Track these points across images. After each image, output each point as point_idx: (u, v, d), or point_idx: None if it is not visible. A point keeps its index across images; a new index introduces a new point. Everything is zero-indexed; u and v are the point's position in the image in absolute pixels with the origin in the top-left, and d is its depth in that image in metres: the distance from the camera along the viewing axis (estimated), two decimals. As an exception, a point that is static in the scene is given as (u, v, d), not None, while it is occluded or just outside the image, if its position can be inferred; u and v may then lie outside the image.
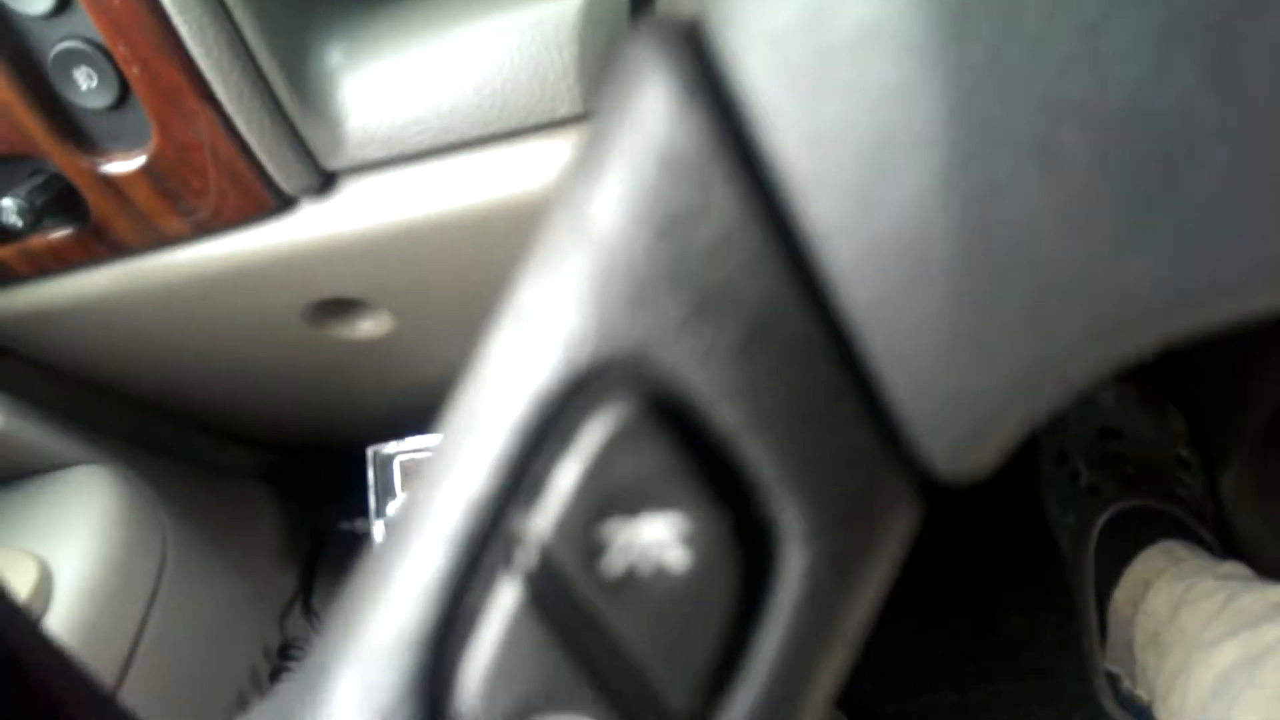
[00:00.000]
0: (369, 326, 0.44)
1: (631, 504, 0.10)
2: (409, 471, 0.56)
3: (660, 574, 0.10)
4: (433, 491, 0.11)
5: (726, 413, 0.10)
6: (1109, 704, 0.65)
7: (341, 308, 0.43)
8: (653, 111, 0.10)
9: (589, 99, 0.34)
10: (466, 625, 0.11)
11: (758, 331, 0.10)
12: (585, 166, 0.11)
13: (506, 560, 0.11)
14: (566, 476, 0.10)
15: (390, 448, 0.56)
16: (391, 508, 0.57)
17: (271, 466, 0.63)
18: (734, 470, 0.10)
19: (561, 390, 0.11)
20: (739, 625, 0.10)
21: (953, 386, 0.10)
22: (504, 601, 0.11)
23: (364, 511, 0.57)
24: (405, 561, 0.11)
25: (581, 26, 0.33)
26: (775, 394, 0.10)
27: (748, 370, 0.10)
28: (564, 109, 0.34)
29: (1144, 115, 0.09)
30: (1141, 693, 0.60)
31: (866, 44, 0.09)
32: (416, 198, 0.36)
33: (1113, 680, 0.64)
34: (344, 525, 0.60)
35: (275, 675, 0.55)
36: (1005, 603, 0.73)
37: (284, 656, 0.56)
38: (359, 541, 0.58)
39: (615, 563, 0.10)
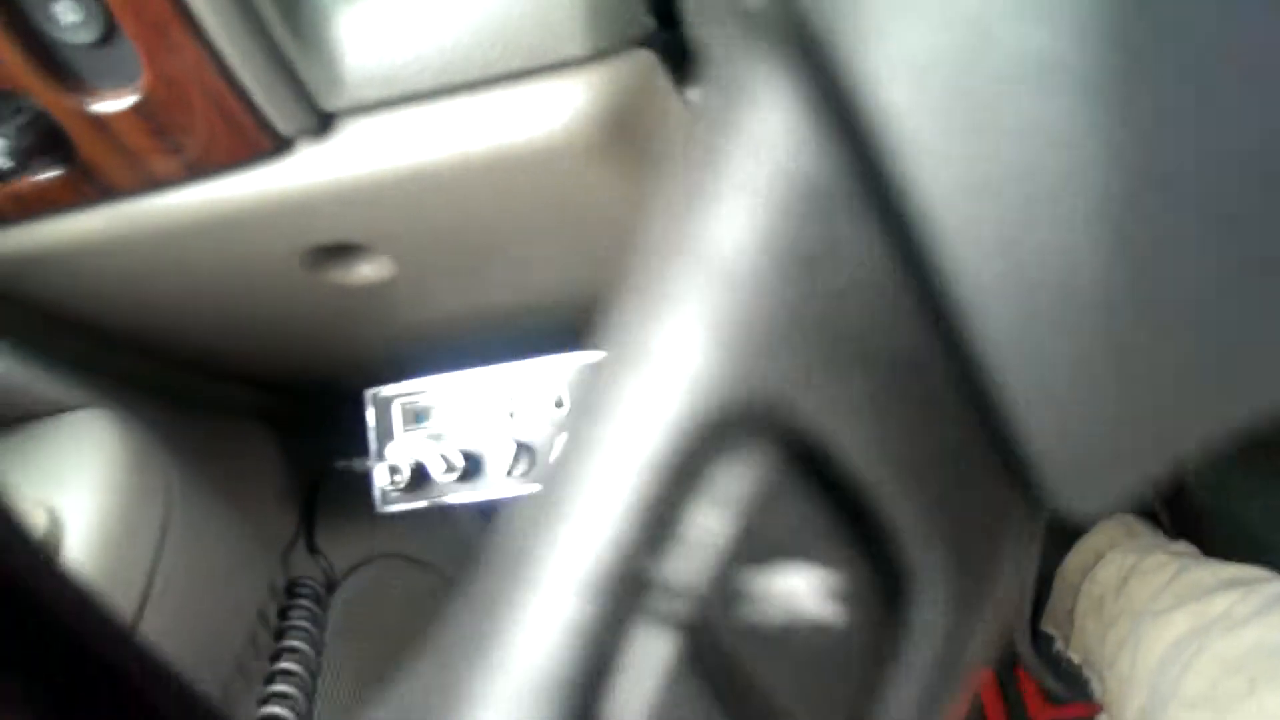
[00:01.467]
0: (368, 271, 0.44)
1: (775, 555, 0.10)
2: (408, 414, 0.56)
3: (804, 625, 0.10)
4: (557, 531, 0.11)
5: (865, 463, 0.10)
6: (1028, 658, 0.67)
7: (341, 253, 0.42)
8: (776, 135, 0.09)
9: (597, 40, 0.33)
10: (609, 673, 0.10)
11: (896, 379, 0.10)
12: (698, 190, 0.10)
13: (646, 609, 0.10)
14: (714, 526, 0.10)
15: (389, 390, 0.56)
16: (390, 450, 0.57)
17: (271, 407, 0.63)
18: (870, 520, 0.10)
19: (697, 434, 0.10)
20: (877, 672, 0.10)
21: (1092, 436, 0.10)
22: (655, 653, 0.10)
23: (363, 451, 0.57)
24: (537, 602, 0.11)
25: (589, -40, 0.31)
26: (912, 442, 0.10)
27: (886, 419, 0.10)
28: (571, 49, 0.33)
29: None
30: (1074, 655, 0.62)
31: (1031, 79, 0.08)
32: (418, 141, 0.35)
33: (1046, 641, 0.66)
34: (341, 464, 0.61)
35: (284, 613, 0.56)
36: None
37: (290, 594, 0.57)
38: (357, 480, 0.59)
39: (761, 614, 0.10)
